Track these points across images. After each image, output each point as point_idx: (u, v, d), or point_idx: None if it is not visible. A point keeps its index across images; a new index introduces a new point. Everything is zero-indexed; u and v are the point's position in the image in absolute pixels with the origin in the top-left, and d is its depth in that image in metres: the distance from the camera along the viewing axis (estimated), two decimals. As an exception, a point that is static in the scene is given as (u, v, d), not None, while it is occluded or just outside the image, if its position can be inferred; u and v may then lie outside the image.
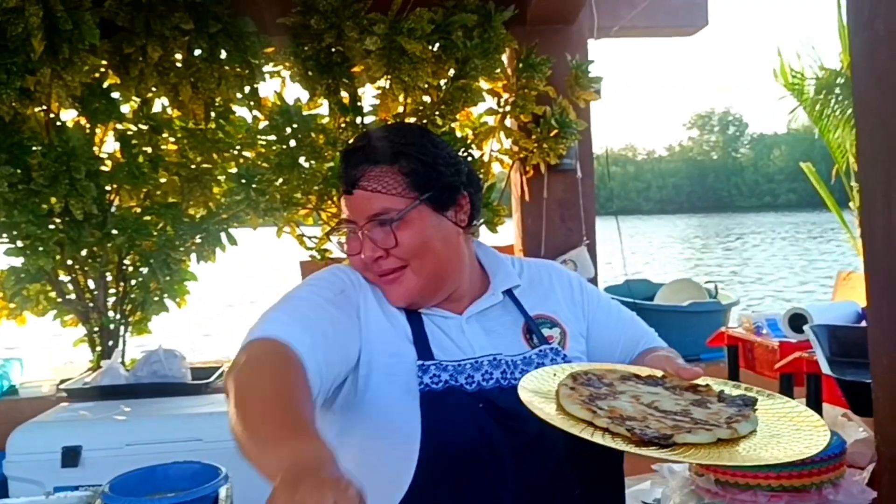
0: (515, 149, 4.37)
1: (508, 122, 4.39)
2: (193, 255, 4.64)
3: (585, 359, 1.50)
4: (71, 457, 3.34)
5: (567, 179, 4.45)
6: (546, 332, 1.48)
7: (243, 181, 4.46)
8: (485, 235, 4.47)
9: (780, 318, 2.45)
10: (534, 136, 4.24)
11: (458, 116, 4.28)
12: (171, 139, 4.51)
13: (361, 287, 1.44)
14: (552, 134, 4.20)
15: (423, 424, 1.30)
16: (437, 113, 4.18)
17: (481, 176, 4.46)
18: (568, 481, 1.33)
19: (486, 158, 4.47)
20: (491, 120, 4.40)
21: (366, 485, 0.94)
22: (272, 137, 4.44)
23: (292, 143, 4.34)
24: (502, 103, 4.31)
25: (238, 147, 4.53)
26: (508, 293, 1.51)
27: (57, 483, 3.24)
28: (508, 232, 4.55)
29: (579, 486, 1.34)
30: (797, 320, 2.31)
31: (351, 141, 1.52)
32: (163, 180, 4.54)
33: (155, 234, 4.43)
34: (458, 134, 4.37)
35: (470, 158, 4.38)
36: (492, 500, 1.29)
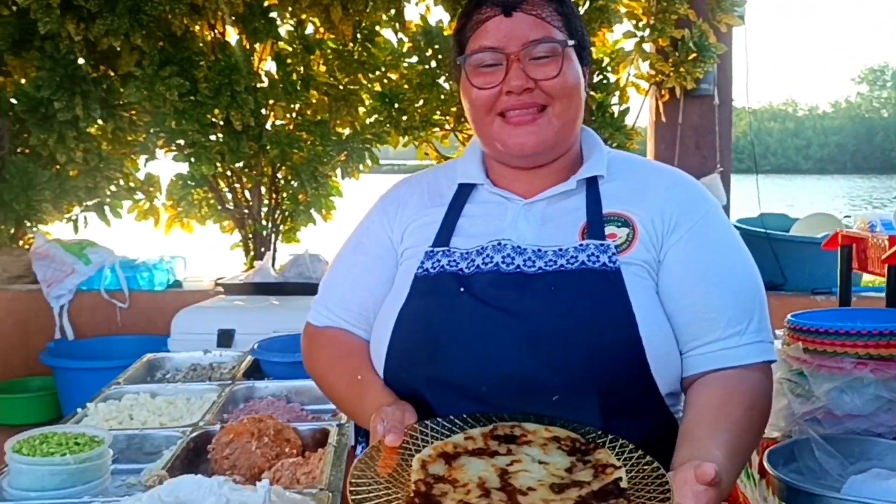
0: (652, 72, 4.36)
1: (647, 46, 4.38)
2: (339, 172, 4.96)
3: (651, 272, 1.32)
4: (225, 338, 3.74)
5: (704, 105, 4.40)
6: (612, 229, 1.33)
7: (386, 101, 4.71)
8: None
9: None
10: (671, 60, 4.23)
11: (594, 39, 4.32)
12: (322, 60, 4.81)
13: (398, 203, 1.48)
14: (690, 58, 4.17)
15: (401, 306, 1.35)
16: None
17: (616, 101, 4.51)
18: (543, 381, 1.25)
19: (621, 83, 4.49)
20: (628, 45, 4.40)
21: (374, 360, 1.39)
22: (414, 59, 4.65)
23: (433, 63, 4.52)
24: (641, 26, 4.30)
25: (382, 68, 4.77)
26: (592, 184, 1.38)
27: (213, 360, 3.63)
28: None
29: (558, 393, 1.25)
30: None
31: None
32: (313, 99, 4.85)
33: (305, 149, 4.76)
34: (594, 56, 4.41)
35: (605, 82, 4.42)
36: (458, 382, 1.28)
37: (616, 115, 4.42)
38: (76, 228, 5.04)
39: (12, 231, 4.80)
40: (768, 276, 4.41)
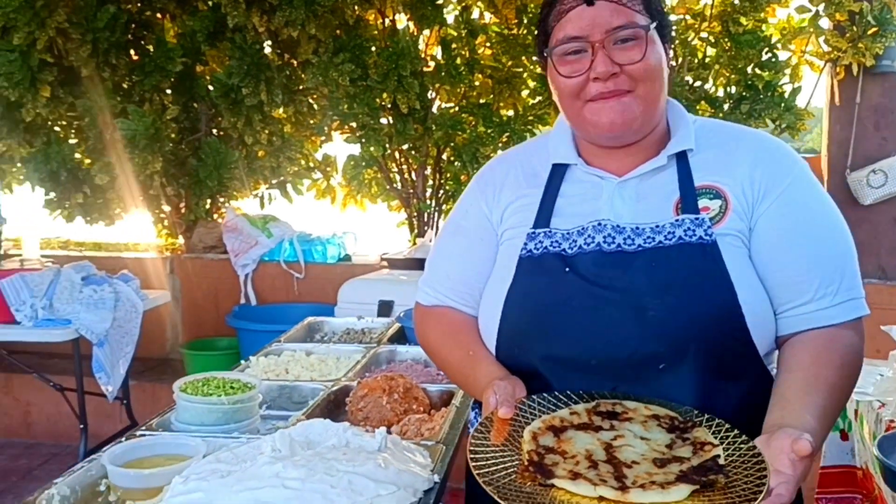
0: (827, 49, 4.13)
1: (822, 22, 4.15)
2: (500, 153, 5.08)
3: (744, 240, 1.37)
4: (385, 308, 3.97)
5: (886, 83, 4.11)
6: (705, 202, 1.38)
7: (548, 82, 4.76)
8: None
9: None
10: (848, 35, 3.99)
11: (763, 15, 4.15)
12: (486, 44, 4.94)
13: (495, 184, 1.53)
14: (869, 32, 3.92)
15: (509, 287, 1.43)
16: (740, 11, 4.09)
17: (788, 79, 4.31)
18: (650, 353, 1.33)
19: (793, 60, 4.29)
20: (802, 19, 4.19)
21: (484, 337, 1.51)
22: (577, 41, 4.66)
23: (595, 44, 4.52)
24: (816, 0, 4.09)
25: (546, 51, 4.82)
26: (681, 157, 1.42)
27: (374, 328, 3.87)
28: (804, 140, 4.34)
29: (664, 362, 1.33)
30: None
31: None
32: (477, 82, 5.00)
33: (468, 131, 4.92)
34: (764, 33, 4.23)
35: (774, 60, 4.24)
36: (569, 357, 1.37)
37: (787, 94, 4.24)
38: (262, 204, 5.51)
39: (207, 206, 5.32)
40: (955, 267, 4.08)
